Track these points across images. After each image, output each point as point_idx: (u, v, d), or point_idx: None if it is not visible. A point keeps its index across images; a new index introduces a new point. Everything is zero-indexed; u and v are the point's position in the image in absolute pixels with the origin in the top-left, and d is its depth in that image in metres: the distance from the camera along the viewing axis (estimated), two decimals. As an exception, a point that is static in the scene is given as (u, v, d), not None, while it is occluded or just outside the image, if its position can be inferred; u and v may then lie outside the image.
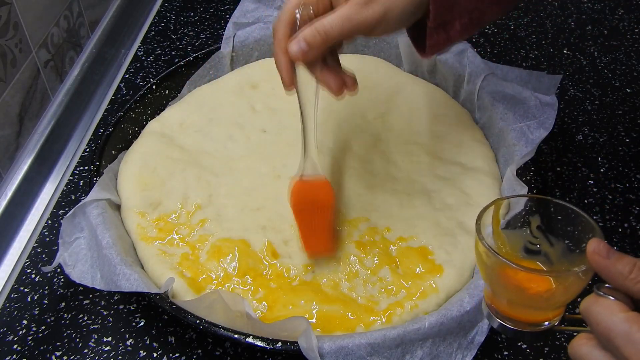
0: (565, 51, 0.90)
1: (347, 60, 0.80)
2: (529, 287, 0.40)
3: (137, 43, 0.93)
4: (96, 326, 0.57)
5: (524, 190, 0.59)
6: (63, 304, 0.59)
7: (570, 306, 0.42)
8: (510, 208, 0.50)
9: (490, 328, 0.52)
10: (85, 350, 0.55)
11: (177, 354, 0.55)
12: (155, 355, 0.55)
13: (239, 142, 0.70)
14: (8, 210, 0.67)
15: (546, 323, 0.42)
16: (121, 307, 0.59)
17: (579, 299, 0.39)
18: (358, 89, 0.55)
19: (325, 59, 0.53)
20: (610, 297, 0.37)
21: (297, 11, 0.52)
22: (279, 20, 0.53)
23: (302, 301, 0.54)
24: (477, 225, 0.42)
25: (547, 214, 0.43)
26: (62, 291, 0.60)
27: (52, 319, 0.58)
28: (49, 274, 0.62)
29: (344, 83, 0.54)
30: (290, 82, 0.54)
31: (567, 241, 0.42)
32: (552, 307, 0.42)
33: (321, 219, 0.58)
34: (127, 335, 0.56)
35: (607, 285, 0.37)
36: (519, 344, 0.55)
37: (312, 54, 0.51)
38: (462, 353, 0.51)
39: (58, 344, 0.56)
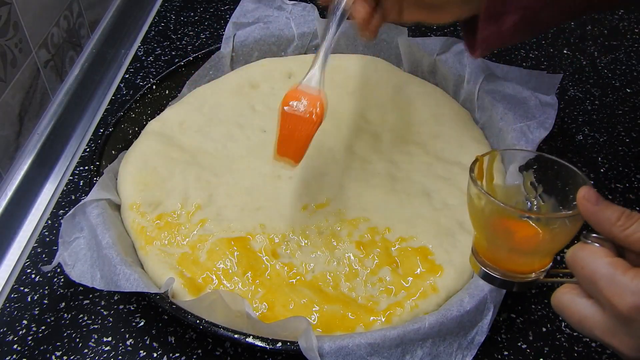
0: (565, 51, 0.90)
1: (347, 60, 0.80)
2: (517, 231, 0.41)
3: (137, 43, 0.93)
4: (96, 326, 0.57)
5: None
6: (63, 304, 0.59)
7: (557, 258, 0.43)
8: (506, 161, 0.50)
9: (491, 328, 0.52)
10: (85, 350, 0.55)
11: (177, 354, 0.55)
12: (155, 355, 0.55)
13: (239, 142, 0.70)
14: (8, 210, 0.67)
15: (533, 274, 0.44)
16: (121, 307, 0.59)
17: (562, 254, 0.40)
18: (376, 38, 0.57)
19: None
20: (597, 245, 0.38)
21: None
22: None
23: (302, 301, 0.54)
24: (470, 171, 0.43)
25: (541, 170, 0.44)
26: (62, 291, 0.60)
27: (52, 319, 0.58)
28: (49, 274, 0.62)
29: (370, 17, 0.55)
30: None
31: (558, 198, 0.43)
32: (539, 254, 0.43)
33: (302, 129, 0.56)
34: (127, 335, 0.56)
35: (594, 234, 0.38)
36: (519, 344, 0.55)
37: None
38: (462, 353, 0.51)
39: (58, 344, 0.56)
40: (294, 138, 0.56)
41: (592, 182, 0.40)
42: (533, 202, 0.45)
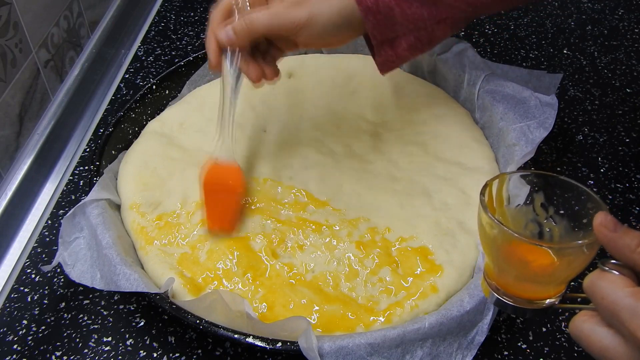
0: (565, 51, 0.90)
1: (347, 60, 0.80)
2: (532, 261, 0.40)
3: (137, 43, 0.93)
4: (96, 326, 0.57)
5: (526, 188, 0.59)
6: (63, 304, 0.59)
7: (572, 284, 0.42)
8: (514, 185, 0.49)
9: (491, 328, 0.52)
10: (85, 350, 0.55)
11: (177, 354, 0.55)
12: (155, 355, 0.55)
13: (239, 142, 0.70)
14: (8, 210, 0.67)
15: (547, 301, 0.42)
16: (121, 307, 0.59)
17: (579, 280, 0.38)
18: (279, 79, 0.61)
19: (253, 51, 0.59)
20: (615, 272, 0.36)
21: (234, 2, 0.58)
22: (217, 7, 0.59)
23: (302, 301, 0.54)
24: (481, 197, 0.41)
25: (551, 192, 0.43)
26: (62, 291, 0.60)
27: (52, 319, 0.58)
28: (49, 274, 0.62)
29: (263, 74, 0.59)
30: (216, 64, 0.58)
31: (570, 220, 0.42)
32: (554, 282, 0.41)
33: (227, 201, 0.60)
34: (127, 335, 0.56)
35: (612, 261, 0.37)
36: (519, 344, 0.55)
37: (238, 43, 0.56)
38: (462, 353, 0.51)
39: (58, 344, 0.56)
40: (220, 212, 0.60)
41: (607, 206, 0.39)
42: (544, 223, 0.43)
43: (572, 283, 0.43)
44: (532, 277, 0.41)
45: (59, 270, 0.62)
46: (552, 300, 0.42)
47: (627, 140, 0.76)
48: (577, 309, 0.39)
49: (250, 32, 0.55)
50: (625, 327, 0.35)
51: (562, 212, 0.43)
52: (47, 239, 0.66)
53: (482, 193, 0.42)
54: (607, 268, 0.36)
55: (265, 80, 0.59)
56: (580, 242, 0.38)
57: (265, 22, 0.55)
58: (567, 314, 0.58)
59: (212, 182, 0.60)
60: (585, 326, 0.37)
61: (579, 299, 0.41)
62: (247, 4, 0.57)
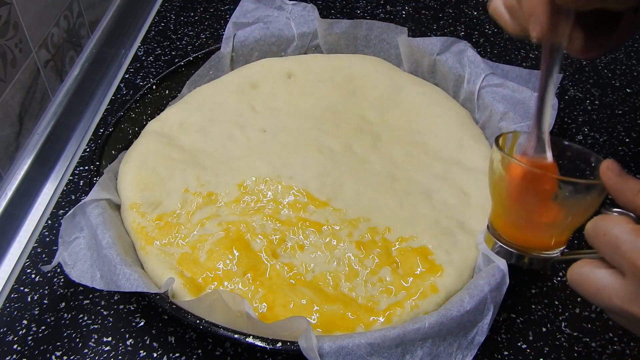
0: (565, 51, 0.89)
1: (347, 60, 0.80)
2: (539, 200, 0.41)
3: (137, 43, 0.93)
4: (96, 326, 0.57)
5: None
6: (63, 304, 0.59)
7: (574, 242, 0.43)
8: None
9: (491, 328, 0.52)
10: (85, 350, 0.55)
11: (177, 354, 0.55)
12: (155, 355, 0.55)
13: (239, 142, 0.70)
14: (8, 210, 0.67)
15: (550, 251, 0.43)
16: (121, 307, 0.59)
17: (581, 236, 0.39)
18: (598, 55, 0.49)
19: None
20: (617, 215, 0.38)
21: None
22: None
23: (302, 301, 0.54)
24: (495, 140, 0.43)
25: (560, 156, 0.44)
26: (62, 291, 0.60)
27: (52, 319, 0.58)
28: (49, 274, 0.62)
29: (587, 41, 0.47)
30: (546, 27, 0.44)
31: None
32: (558, 228, 0.42)
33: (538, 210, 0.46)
34: (127, 335, 0.56)
35: (615, 208, 0.38)
36: (519, 344, 0.55)
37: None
38: (462, 353, 0.51)
39: (58, 344, 0.56)
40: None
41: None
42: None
43: (575, 243, 0.44)
44: (536, 219, 0.42)
45: (59, 270, 0.62)
46: (555, 251, 0.43)
47: (627, 140, 0.76)
48: (577, 259, 0.40)
49: None
50: (626, 259, 0.36)
51: (569, 174, 0.43)
52: (47, 239, 0.66)
53: (497, 140, 0.43)
54: (609, 212, 0.38)
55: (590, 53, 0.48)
56: (586, 181, 0.40)
57: None
58: (567, 313, 0.58)
59: (524, 188, 0.43)
60: (584, 269, 0.39)
61: (580, 254, 0.42)
62: None
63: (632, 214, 0.38)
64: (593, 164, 0.43)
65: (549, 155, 0.45)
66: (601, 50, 0.50)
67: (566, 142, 0.44)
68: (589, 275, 0.38)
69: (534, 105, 0.46)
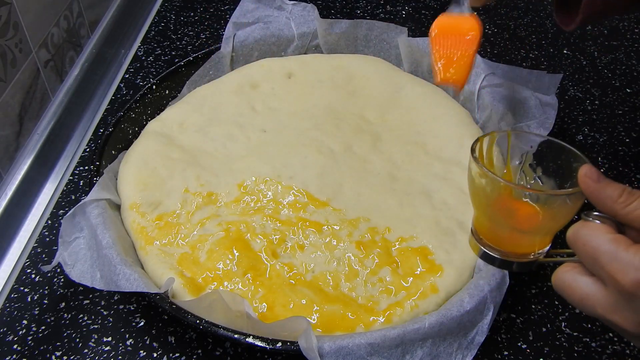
0: (565, 51, 0.90)
1: (347, 60, 0.80)
2: (519, 210, 0.41)
3: (137, 43, 0.93)
4: (96, 326, 0.57)
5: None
6: (63, 304, 0.59)
7: (558, 240, 0.43)
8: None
9: (491, 328, 0.52)
10: (85, 350, 0.55)
11: (177, 354, 0.55)
12: (155, 355, 0.55)
13: (239, 142, 0.70)
14: (8, 210, 0.67)
15: (533, 254, 0.43)
16: (121, 307, 0.59)
17: (563, 236, 0.39)
18: None
19: None
20: (598, 222, 0.38)
21: None
22: None
23: (302, 301, 0.54)
24: (472, 150, 0.43)
25: (540, 152, 0.44)
26: (62, 291, 0.60)
27: (52, 319, 0.58)
28: (49, 274, 0.62)
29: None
30: None
31: (557, 180, 0.43)
32: (539, 233, 0.43)
33: (460, 48, 0.54)
34: (127, 335, 0.56)
35: (595, 212, 0.38)
36: (519, 344, 0.55)
37: None
38: (462, 353, 0.51)
39: (58, 344, 0.56)
40: (452, 60, 0.54)
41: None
42: (532, 183, 0.45)
43: (558, 239, 0.44)
44: (518, 227, 0.43)
45: (59, 270, 0.61)
46: (538, 254, 0.43)
47: (627, 140, 0.76)
48: (561, 262, 0.40)
49: None
50: (606, 271, 0.36)
51: (549, 172, 0.44)
52: (47, 239, 0.66)
53: (473, 148, 0.43)
54: (590, 218, 0.38)
55: None
56: (564, 190, 0.40)
57: None
58: (567, 313, 0.58)
59: (444, 29, 0.54)
60: (567, 276, 0.39)
61: (563, 255, 0.42)
62: None
63: (612, 219, 0.38)
64: (569, 161, 0.42)
65: (466, 8, 0.55)
66: (577, 22, 0.54)
67: (547, 138, 0.44)
68: (572, 283, 0.38)
69: None
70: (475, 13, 0.56)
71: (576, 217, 0.40)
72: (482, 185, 0.42)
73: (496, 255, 0.44)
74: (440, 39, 0.54)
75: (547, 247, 0.44)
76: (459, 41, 0.54)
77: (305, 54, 0.83)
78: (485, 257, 0.45)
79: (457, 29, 0.54)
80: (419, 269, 0.57)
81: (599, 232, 0.37)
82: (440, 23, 0.55)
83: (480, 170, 0.41)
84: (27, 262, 0.63)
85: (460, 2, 0.56)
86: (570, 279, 0.39)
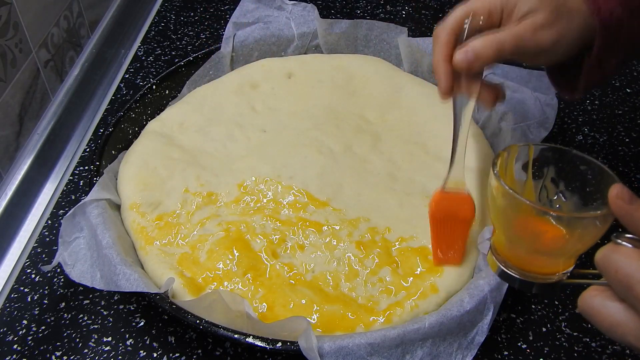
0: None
1: (347, 60, 0.80)
2: (542, 232, 0.39)
3: (137, 43, 0.93)
4: (96, 326, 0.57)
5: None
6: (63, 304, 0.59)
7: (582, 259, 0.41)
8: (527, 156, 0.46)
9: (491, 328, 0.52)
10: (85, 350, 0.55)
11: (177, 354, 0.55)
12: (155, 355, 0.55)
13: (239, 142, 0.70)
14: (8, 210, 0.67)
15: (556, 276, 0.41)
16: (121, 307, 0.59)
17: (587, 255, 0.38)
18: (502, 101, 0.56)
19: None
20: (630, 245, 0.35)
21: (466, 21, 0.52)
22: (443, 26, 0.53)
23: (302, 301, 0.54)
24: (493, 166, 0.40)
25: (563, 166, 0.42)
26: (62, 291, 0.60)
27: (52, 319, 0.58)
28: (49, 274, 0.62)
29: (496, 96, 0.54)
30: (448, 91, 0.54)
31: (581, 196, 0.41)
32: (564, 256, 0.40)
33: (457, 231, 0.56)
34: (127, 335, 0.56)
35: (627, 235, 0.36)
36: (519, 344, 0.55)
37: (478, 65, 0.50)
38: (462, 353, 0.51)
39: (58, 344, 0.56)
40: (448, 243, 0.56)
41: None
42: (554, 200, 0.43)
43: (583, 258, 0.42)
44: (541, 249, 0.40)
45: (59, 270, 0.62)
46: (561, 275, 0.41)
47: (627, 140, 0.76)
48: (586, 284, 0.38)
49: (495, 54, 0.49)
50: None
51: (572, 187, 0.42)
52: (47, 239, 0.66)
53: (494, 163, 0.41)
54: (621, 241, 0.36)
55: (498, 101, 0.55)
56: (594, 213, 0.37)
57: (511, 45, 0.49)
58: (567, 313, 0.58)
59: (443, 211, 0.56)
60: (596, 301, 0.37)
61: (588, 275, 0.40)
62: (481, 22, 0.51)
63: None
64: (594, 175, 0.40)
65: (465, 187, 0.55)
66: (578, 93, 0.54)
67: (571, 151, 0.42)
68: (602, 309, 0.36)
69: (453, 143, 0.54)
70: (469, 193, 0.56)
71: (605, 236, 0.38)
72: (503, 205, 0.40)
73: (516, 276, 0.42)
74: (439, 223, 0.56)
75: (571, 268, 0.41)
76: (456, 225, 0.56)
77: (305, 54, 0.83)
78: (504, 276, 0.43)
79: (454, 212, 0.55)
80: (419, 269, 0.57)
81: (632, 258, 0.35)
82: (438, 204, 0.56)
83: (502, 188, 0.39)
84: (27, 262, 0.63)
85: (457, 178, 0.56)
86: (600, 305, 0.36)
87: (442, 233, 0.56)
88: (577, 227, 0.38)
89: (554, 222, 0.38)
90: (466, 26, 0.51)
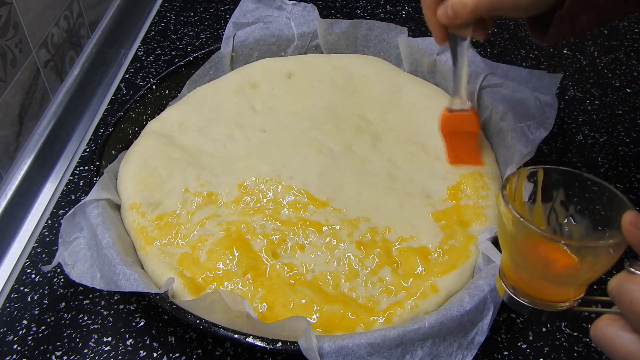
0: (565, 51, 0.90)
1: (347, 60, 0.80)
2: (553, 260, 0.38)
3: (137, 43, 0.93)
4: (96, 326, 0.57)
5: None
6: (63, 304, 0.59)
7: (594, 287, 0.40)
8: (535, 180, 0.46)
9: (491, 328, 0.52)
10: (85, 350, 0.55)
11: (177, 354, 0.55)
12: (155, 355, 0.55)
13: (239, 142, 0.70)
14: (8, 210, 0.67)
15: (566, 303, 0.40)
16: (121, 307, 0.59)
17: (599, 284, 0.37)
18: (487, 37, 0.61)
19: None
20: None
21: None
22: None
23: (302, 301, 0.54)
24: (502, 192, 0.39)
25: (573, 189, 0.41)
26: (62, 291, 0.60)
27: (52, 319, 0.58)
28: (49, 274, 0.62)
29: (487, 29, 0.59)
30: (441, 39, 0.59)
31: (591, 220, 0.40)
32: (575, 284, 0.40)
33: (466, 141, 0.66)
34: (127, 335, 0.56)
35: None
36: (519, 344, 0.55)
37: (458, 22, 0.55)
38: (462, 353, 0.51)
39: (58, 344, 0.56)
40: (460, 151, 0.66)
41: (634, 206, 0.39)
42: (564, 223, 0.42)
43: (594, 286, 0.41)
44: (552, 277, 0.39)
45: (59, 270, 0.62)
46: (572, 302, 0.40)
47: (627, 140, 0.76)
48: (598, 313, 0.37)
49: (471, 12, 0.52)
50: None
51: (583, 211, 0.41)
52: (47, 239, 0.66)
53: (504, 187, 0.40)
54: (635, 270, 0.35)
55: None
56: (606, 241, 0.36)
57: (488, 5, 0.52)
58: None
59: (450, 129, 0.65)
60: (609, 331, 0.36)
61: (600, 302, 0.39)
62: None
63: None
64: (605, 199, 0.39)
65: (468, 104, 0.64)
66: (547, 40, 0.56)
67: (582, 174, 0.41)
68: (616, 340, 0.35)
69: (454, 76, 0.63)
70: (473, 108, 0.65)
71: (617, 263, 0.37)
72: (514, 231, 0.39)
73: (525, 303, 0.41)
74: (448, 137, 0.67)
75: (582, 295, 0.40)
76: (464, 137, 0.66)
77: (305, 54, 0.83)
78: (512, 302, 0.42)
79: (460, 127, 0.65)
80: (419, 269, 0.57)
81: None
82: (445, 121, 0.66)
83: (511, 214, 0.38)
84: (27, 262, 0.63)
85: (459, 95, 0.64)
86: (613, 335, 0.36)
87: (454, 145, 0.66)
88: (589, 255, 0.37)
89: (565, 250, 0.38)
90: None
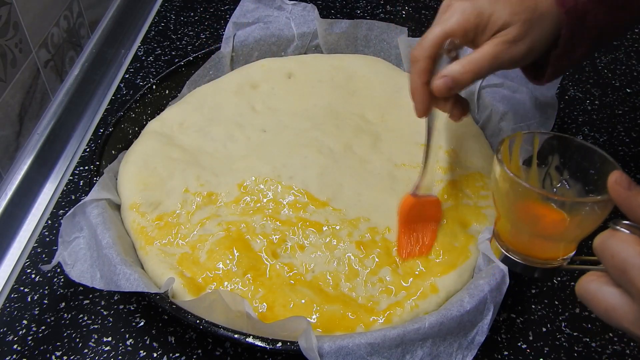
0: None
1: (347, 60, 0.80)
2: (543, 216, 0.40)
3: (137, 43, 0.93)
4: (96, 326, 0.57)
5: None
6: (63, 304, 0.59)
7: (583, 247, 0.42)
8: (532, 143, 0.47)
9: (491, 328, 0.52)
10: (85, 350, 0.55)
11: (177, 354, 0.55)
12: (155, 355, 0.55)
13: (239, 142, 0.70)
14: (8, 210, 0.67)
15: (556, 261, 0.43)
16: (121, 307, 0.59)
17: (589, 242, 0.38)
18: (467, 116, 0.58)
19: None
20: (627, 231, 0.36)
21: (446, 43, 0.52)
22: (421, 49, 0.53)
23: (302, 301, 0.54)
24: (496, 152, 0.41)
25: (567, 155, 0.43)
26: (62, 291, 0.60)
27: (52, 319, 0.58)
28: (49, 274, 0.62)
29: (465, 110, 0.56)
30: (424, 113, 0.56)
31: (584, 183, 0.42)
32: (564, 241, 0.42)
33: (425, 229, 0.59)
34: (127, 335, 0.56)
35: (624, 221, 0.36)
36: (519, 344, 0.55)
37: (456, 90, 0.52)
38: (462, 353, 0.51)
39: (58, 344, 0.56)
40: (412, 240, 0.59)
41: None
42: (558, 186, 0.44)
43: (583, 245, 0.42)
44: (542, 233, 0.41)
45: (59, 270, 0.62)
46: (561, 260, 0.43)
47: (627, 140, 0.76)
48: (585, 270, 0.39)
49: (472, 78, 0.51)
50: (634, 286, 0.35)
51: (576, 175, 0.43)
52: (47, 239, 0.66)
53: (498, 149, 0.42)
54: (618, 227, 0.36)
55: (463, 116, 0.57)
56: (593, 198, 0.39)
57: (487, 66, 0.51)
58: (567, 313, 0.58)
59: (414, 217, 0.59)
60: (592, 286, 0.37)
61: (588, 261, 0.41)
62: (456, 42, 0.53)
63: None
64: (597, 164, 0.41)
65: (434, 192, 0.60)
66: (545, 80, 0.56)
67: (576, 140, 0.43)
68: (597, 294, 0.37)
69: (424, 154, 0.58)
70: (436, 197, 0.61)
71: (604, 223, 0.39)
72: (506, 189, 0.40)
73: (518, 260, 0.43)
74: (409, 224, 0.59)
75: (572, 254, 0.42)
76: (426, 224, 0.59)
77: (305, 54, 0.83)
78: (507, 261, 0.44)
79: (425, 213, 0.59)
80: (419, 269, 0.57)
81: (629, 243, 0.35)
82: (411, 208, 0.59)
83: (505, 173, 0.40)
84: (27, 262, 0.63)
85: (427, 186, 0.60)
86: (595, 289, 0.37)
87: (411, 233, 0.59)
88: (577, 213, 0.39)
89: (555, 207, 0.39)
90: (444, 54, 0.53)
